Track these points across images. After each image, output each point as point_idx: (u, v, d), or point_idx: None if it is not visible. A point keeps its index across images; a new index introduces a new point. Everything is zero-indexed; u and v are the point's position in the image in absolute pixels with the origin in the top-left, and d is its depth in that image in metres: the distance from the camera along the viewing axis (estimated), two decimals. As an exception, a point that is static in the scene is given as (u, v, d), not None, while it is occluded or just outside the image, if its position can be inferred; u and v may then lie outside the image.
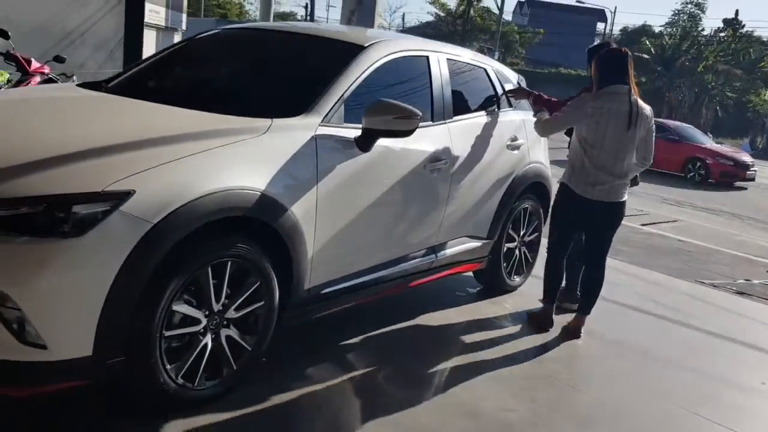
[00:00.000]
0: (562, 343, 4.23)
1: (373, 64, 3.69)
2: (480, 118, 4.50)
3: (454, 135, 4.14)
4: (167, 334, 2.70)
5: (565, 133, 4.52)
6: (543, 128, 4.48)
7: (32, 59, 6.80)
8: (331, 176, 3.26)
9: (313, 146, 3.19)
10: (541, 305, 4.57)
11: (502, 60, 46.30)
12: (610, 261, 6.52)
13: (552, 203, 4.45)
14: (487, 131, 4.50)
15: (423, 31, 52.25)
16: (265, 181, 2.94)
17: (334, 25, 4.61)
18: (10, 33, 6.70)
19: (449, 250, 4.30)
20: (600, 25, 57.25)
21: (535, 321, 4.49)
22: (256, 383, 3.15)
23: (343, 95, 3.44)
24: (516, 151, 4.73)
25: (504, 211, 4.70)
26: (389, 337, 3.97)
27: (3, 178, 2.42)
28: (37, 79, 6.62)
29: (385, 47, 3.82)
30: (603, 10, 54.50)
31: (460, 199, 4.24)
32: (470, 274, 4.98)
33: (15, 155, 2.53)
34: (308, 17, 47.99)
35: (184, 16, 20.18)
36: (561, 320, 4.50)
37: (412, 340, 3.98)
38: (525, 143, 4.82)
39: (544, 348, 4.12)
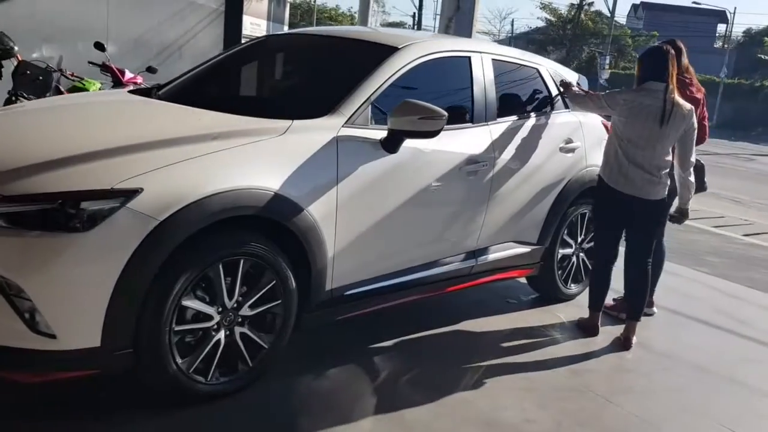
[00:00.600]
0: (608, 354, 4.03)
1: (407, 65, 3.66)
2: (529, 120, 4.36)
3: (497, 137, 4.04)
4: (177, 328, 2.78)
5: None
6: (573, 100, 4.50)
7: (126, 70, 7.20)
8: (353, 177, 3.26)
9: (334, 147, 3.20)
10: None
11: (614, 65, 44.89)
12: (689, 272, 6.32)
13: (593, 202, 4.37)
14: (537, 133, 4.36)
15: (532, 37, 51.58)
16: (279, 182, 2.98)
17: (383, 29, 4.61)
18: (106, 45, 7.12)
19: (492, 255, 4.20)
20: (720, 27, 54.46)
21: (582, 328, 4.38)
22: (274, 380, 3.18)
23: (370, 97, 3.43)
24: (570, 155, 4.56)
25: (556, 216, 4.53)
26: (424, 341, 3.92)
27: (18, 177, 2.57)
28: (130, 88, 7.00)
29: (419, 49, 3.79)
30: (723, 11, 51.75)
31: (504, 203, 4.14)
32: (524, 281, 4.85)
33: (33, 155, 2.68)
34: (416, 26, 48.33)
35: (286, 27, 20.77)
36: (616, 331, 4.30)
37: (447, 345, 3.90)
38: (581, 146, 4.64)
39: (586, 358, 3.94)
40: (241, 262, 2.93)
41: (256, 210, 2.90)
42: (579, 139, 4.63)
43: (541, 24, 53.17)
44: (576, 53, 49.49)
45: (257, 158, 2.99)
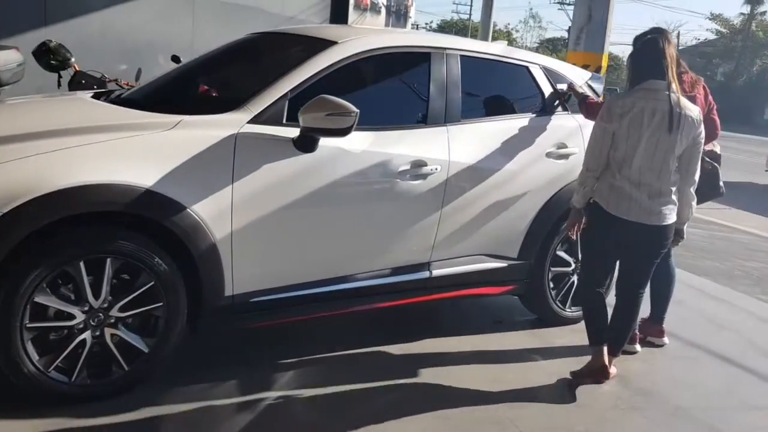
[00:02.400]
0: (574, 389, 3.53)
1: (342, 61, 3.42)
2: (505, 122, 3.96)
3: (456, 139, 3.68)
4: (30, 325, 2.71)
5: None
6: (590, 160, 3.46)
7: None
8: (254, 177, 3.08)
9: (231, 145, 3.03)
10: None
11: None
12: (720, 291, 5.50)
13: (584, 225, 3.59)
14: (515, 137, 3.94)
15: (701, 50, 48.67)
16: (154, 178, 2.84)
17: (357, 27, 4.37)
18: (181, 59, 7.37)
19: (454, 269, 3.83)
20: None
21: (588, 374, 3.60)
22: (157, 388, 3.05)
23: (286, 93, 3.23)
24: (563, 161, 4.09)
25: (543, 228, 4.07)
26: (350, 358, 3.61)
27: None
28: None
29: (361, 43, 3.53)
30: None
31: (465, 212, 3.76)
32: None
33: None
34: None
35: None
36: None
37: (375, 367, 3.55)
38: (579, 152, 4.14)
39: (532, 394, 3.45)
40: (108, 260, 2.82)
41: (121, 206, 2.78)
42: (577, 145, 4.14)
43: (711, 36, 50.13)
44: (746, 66, 46.22)
45: (133, 153, 2.87)
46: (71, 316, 2.81)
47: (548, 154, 4.04)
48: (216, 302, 3.10)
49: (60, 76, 6.77)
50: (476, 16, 55.23)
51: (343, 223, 3.37)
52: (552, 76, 4.24)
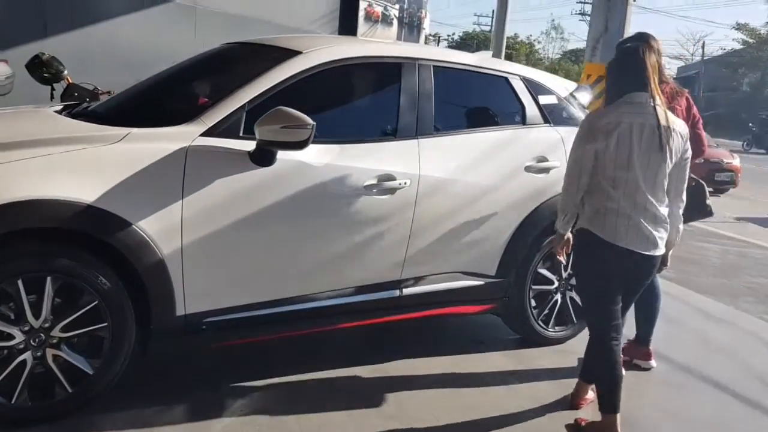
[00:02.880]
0: (540, 415, 3.35)
1: (305, 71, 3.31)
2: (480, 135, 3.82)
3: (427, 152, 3.54)
4: (-36, 346, 2.62)
5: None
6: (568, 184, 3.12)
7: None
8: (206, 192, 2.96)
9: (181, 158, 2.92)
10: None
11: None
12: (721, 310, 5.25)
13: (572, 260, 3.28)
14: (490, 150, 3.80)
15: (727, 60, 48.09)
16: (97, 193, 2.74)
17: (330, 37, 4.26)
18: None
19: (426, 287, 3.68)
20: None
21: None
22: (103, 412, 2.93)
23: (244, 105, 3.12)
24: (542, 175, 3.93)
25: (522, 245, 3.91)
26: (315, 381, 3.47)
27: None
28: None
29: (326, 53, 3.41)
30: None
31: (437, 229, 3.61)
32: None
33: None
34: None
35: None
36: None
37: (341, 390, 3.42)
38: (561, 166, 3.97)
39: (506, 421, 3.28)
40: (48, 279, 2.71)
41: (59, 222, 2.68)
42: (559, 158, 3.98)
43: (737, 46, 49.56)
44: (772, 75, 45.75)
45: (75, 167, 2.77)
46: (10, 336, 2.70)
47: (527, 168, 3.88)
48: (167, 322, 2.99)
49: (53, 89, 6.75)
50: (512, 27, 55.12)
51: (304, 241, 3.24)
52: (533, 87, 4.08)
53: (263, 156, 3.04)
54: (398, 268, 3.56)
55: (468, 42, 62.54)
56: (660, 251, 3.03)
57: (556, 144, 4.01)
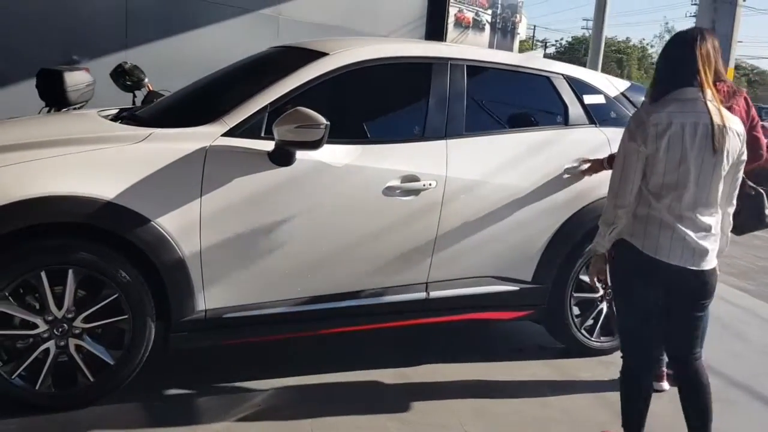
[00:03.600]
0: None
1: (331, 72, 3.34)
2: (519, 136, 3.72)
3: (456, 154, 3.49)
4: (-7, 333, 2.80)
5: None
6: (618, 194, 2.70)
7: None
8: (224, 191, 3.04)
9: (200, 158, 3.01)
10: None
11: None
12: None
13: (609, 271, 2.93)
14: (529, 151, 3.69)
15: None
16: (118, 190, 2.86)
17: (364, 38, 4.26)
18: None
19: (455, 291, 3.61)
20: None
21: None
22: (122, 402, 3.05)
23: (266, 106, 3.18)
24: (585, 177, 3.78)
25: (561, 250, 3.77)
26: (337, 383, 3.46)
27: None
28: None
29: (353, 54, 3.42)
30: None
31: (468, 230, 3.54)
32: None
33: None
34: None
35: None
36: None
37: (363, 395, 3.38)
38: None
39: None
40: (70, 271, 2.85)
41: (81, 217, 2.81)
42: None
43: None
44: None
45: (98, 166, 2.90)
46: (34, 326, 2.86)
47: (568, 170, 3.74)
48: (187, 317, 3.07)
49: (134, 96, 7.12)
50: (610, 32, 53.59)
51: (324, 240, 3.26)
52: (578, 86, 3.94)
53: (281, 156, 3.08)
54: (424, 270, 3.51)
55: (576, 47, 61.11)
56: (711, 265, 2.65)
57: (601, 145, 3.84)
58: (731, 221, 2.88)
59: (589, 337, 3.98)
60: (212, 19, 8.63)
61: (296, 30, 10.04)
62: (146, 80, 7.00)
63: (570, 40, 67.21)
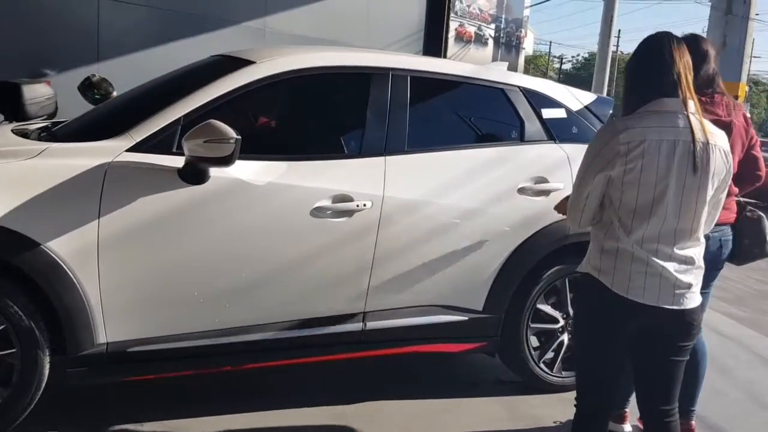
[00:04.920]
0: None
1: (255, 83, 3.06)
2: (467, 153, 3.42)
3: (396, 172, 3.19)
4: None
5: None
6: (569, 216, 2.43)
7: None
8: (127, 212, 2.76)
9: (99, 175, 2.73)
10: None
11: None
12: None
13: (574, 309, 2.57)
14: (478, 169, 3.39)
15: None
16: (2, 211, 2.59)
17: (296, 47, 3.97)
18: None
19: (396, 321, 3.30)
20: None
21: None
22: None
23: (180, 119, 2.91)
24: (540, 198, 3.46)
25: (515, 277, 3.46)
26: (262, 423, 3.15)
27: None
28: None
29: (283, 64, 3.15)
30: None
31: (409, 255, 3.24)
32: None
33: None
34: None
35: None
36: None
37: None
38: (566, 188, 3.49)
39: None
40: (-53, 300, 2.58)
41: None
42: (562, 179, 3.51)
43: None
44: None
45: (-18, 184, 2.63)
46: None
47: (521, 190, 3.43)
48: (85, 351, 2.78)
49: (103, 109, 6.90)
50: (624, 47, 53.25)
51: (242, 266, 2.96)
52: (536, 100, 3.63)
53: (192, 173, 2.80)
54: (360, 299, 3.21)
55: (592, 62, 60.73)
56: (694, 303, 2.27)
57: (560, 163, 3.54)
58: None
59: (548, 371, 3.65)
60: (193, 31, 8.40)
61: (283, 43, 9.82)
62: (114, 93, 6.77)
63: (586, 55, 66.87)
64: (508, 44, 20.00)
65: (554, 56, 62.45)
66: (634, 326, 2.29)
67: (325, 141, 3.27)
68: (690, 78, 2.27)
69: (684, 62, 2.27)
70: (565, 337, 3.65)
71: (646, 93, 2.27)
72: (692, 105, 2.23)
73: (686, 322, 2.27)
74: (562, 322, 3.63)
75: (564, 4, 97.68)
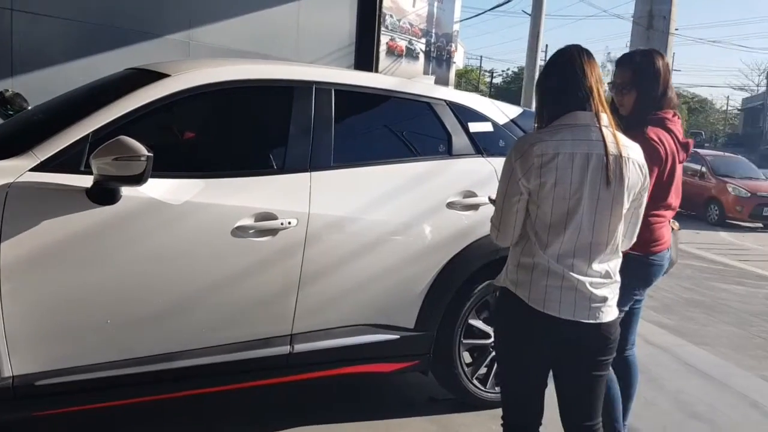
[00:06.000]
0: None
1: (169, 97, 2.91)
2: (394, 168, 3.35)
3: (321, 188, 3.09)
4: None
5: None
6: (500, 235, 2.36)
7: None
8: (31, 236, 2.57)
9: (0, 197, 2.53)
10: None
11: None
12: (716, 366, 4.45)
13: (493, 324, 2.48)
14: (405, 184, 3.32)
15: None
16: None
17: (212, 60, 3.84)
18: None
19: (325, 342, 3.19)
20: None
21: None
22: None
23: (88, 136, 2.73)
24: (469, 212, 3.42)
25: (446, 293, 3.40)
26: None
27: None
28: None
29: (199, 77, 3.01)
30: None
31: (338, 274, 3.14)
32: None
33: None
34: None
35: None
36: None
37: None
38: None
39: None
40: None
41: None
42: (491, 193, 3.45)
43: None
44: None
45: None
46: None
47: (450, 205, 3.38)
48: (-13, 386, 2.57)
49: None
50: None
51: (158, 290, 2.80)
52: (463, 114, 3.59)
53: (102, 193, 2.63)
54: (287, 321, 3.08)
55: (521, 76, 62.09)
56: (611, 316, 2.25)
57: (488, 177, 3.50)
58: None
59: (482, 387, 3.60)
60: (114, 44, 8.12)
61: (209, 56, 9.61)
62: (28, 108, 6.47)
63: (516, 69, 68.34)
64: (438, 58, 20.19)
65: (485, 70, 63.62)
66: (552, 341, 2.26)
67: (246, 157, 3.15)
68: (602, 91, 2.26)
69: (595, 75, 2.27)
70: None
71: (559, 106, 2.26)
72: (605, 118, 2.23)
73: (603, 336, 2.25)
74: (493, 338, 3.57)
75: (493, 19, 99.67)
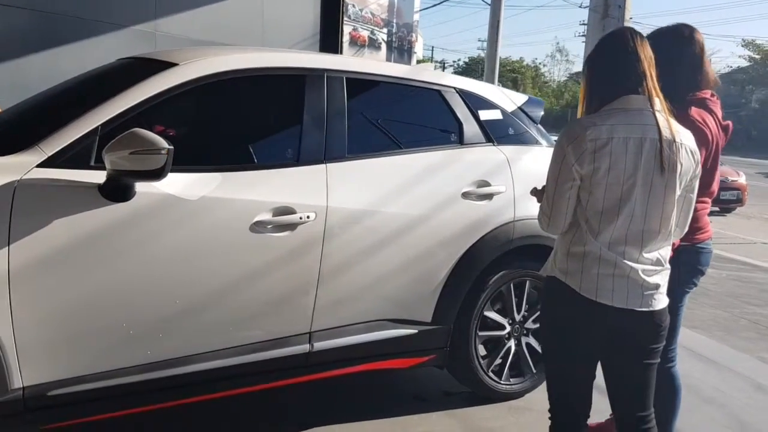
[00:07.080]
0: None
1: (178, 87, 2.75)
2: (408, 157, 3.25)
3: (338, 180, 2.98)
4: None
5: None
6: (551, 222, 2.24)
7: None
8: (43, 236, 2.40)
9: (8, 195, 2.36)
10: None
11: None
12: (713, 348, 4.50)
13: (540, 315, 2.45)
14: (421, 174, 3.23)
15: (735, 77, 47.65)
16: None
17: (222, 47, 3.68)
18: None
19: (344, 340, 3.08)
20: None
21: None
22: None
23: (97, 129, 2.56)
24: (484, 202, 3.34)
25: (463, 285, 3.32)
26: None
27: None
28: None
29: (208, 65, 2.86)
30: None
31: (355, 269, 3.03)
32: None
33: None
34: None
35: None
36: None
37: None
38: (507, 191, 3.40)
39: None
40: None
41: None
42: (504, 182, 3.41)
43: (744, 63, 49.18)
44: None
45: None
46: None
47: (465, 195, 3.30)
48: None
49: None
50: (504, 52, 55.10)
51: (176, 291, 2.66)
52: (473, 101, 3.51)
53: (116, 189, 2.48)
54: (306, 319, 2.97)
55: (473, 67, 62.50)
56: (663, 304, 2.19)
57: (501, 165, 3.43)
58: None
59: (497, 380, 3.54)
60: (78, 35, 7.82)
61: (175, 47, 9.34)
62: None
63: (467, 60, 68.89)
64: (400, 48, 20.10)
65: (436, 61, 63.88)
66: (603, 330, 2.20)
67: (261, 149, 3.01)
68: (654, 74, 2.20)
69: (648, 58, 2.19)
70: (512, 344, 3.55)
71: (611, 90, 2.19)
72: (658, 102, 2.16)
73: (656, 323, 2.20)
74: (508, 329, 3.53)
75: (445, 10, 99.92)
